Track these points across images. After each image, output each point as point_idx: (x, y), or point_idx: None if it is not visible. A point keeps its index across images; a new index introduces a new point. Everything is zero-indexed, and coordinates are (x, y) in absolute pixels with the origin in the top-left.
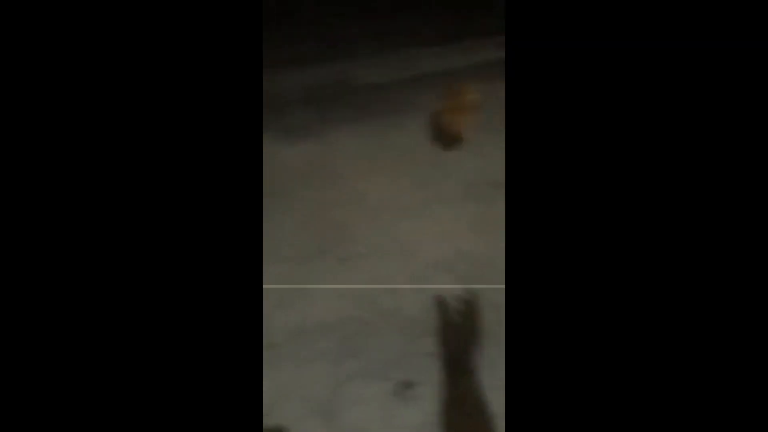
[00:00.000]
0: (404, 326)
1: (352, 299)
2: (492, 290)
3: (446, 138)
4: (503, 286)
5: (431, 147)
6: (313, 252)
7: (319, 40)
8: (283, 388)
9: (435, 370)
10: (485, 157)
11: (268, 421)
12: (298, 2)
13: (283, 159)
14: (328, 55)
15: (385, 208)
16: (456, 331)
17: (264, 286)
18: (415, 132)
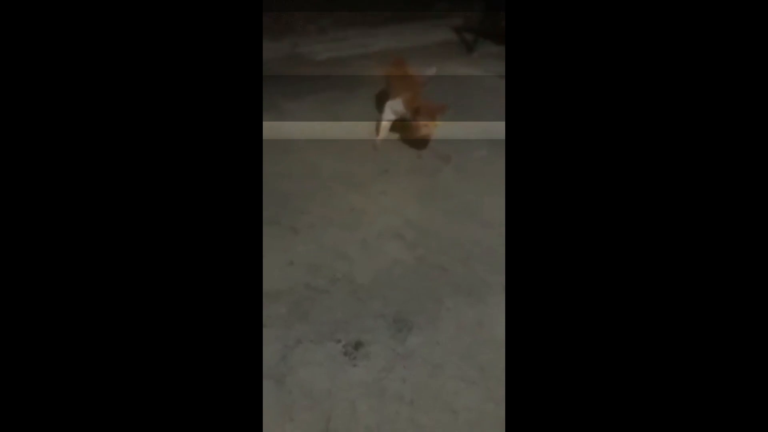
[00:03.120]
0: (354, 291)
1: (303, 267)
2: (436, 255)
3: (415, 135)
4: (447, 254)
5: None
6: (265, 221)
7: (274, 19)
8: None
9: (384, 330)
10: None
11: None
12: None
13: None
14: (283, 30)
15: (336, 179)
16: None
17: None
18: (365, 106)
